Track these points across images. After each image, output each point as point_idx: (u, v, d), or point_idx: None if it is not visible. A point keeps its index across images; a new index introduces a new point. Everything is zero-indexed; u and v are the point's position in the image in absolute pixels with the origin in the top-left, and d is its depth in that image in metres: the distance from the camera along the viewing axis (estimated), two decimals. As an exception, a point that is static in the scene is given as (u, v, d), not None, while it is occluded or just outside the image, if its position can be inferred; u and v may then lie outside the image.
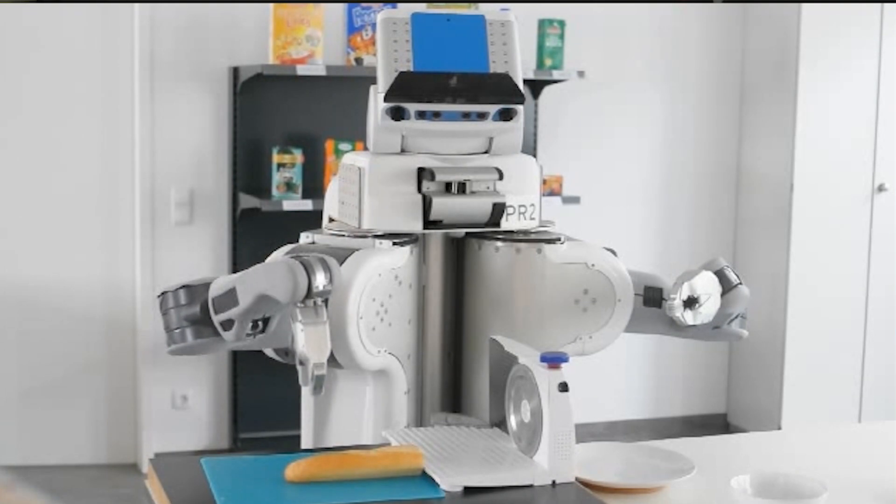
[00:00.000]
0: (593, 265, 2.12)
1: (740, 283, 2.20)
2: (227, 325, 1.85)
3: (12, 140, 4.59)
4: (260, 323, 1.87)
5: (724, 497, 1.75)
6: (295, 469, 1.75)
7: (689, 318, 2.11)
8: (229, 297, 1.82)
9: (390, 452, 1.79)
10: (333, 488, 1.72)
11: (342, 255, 1.99)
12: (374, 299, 1.98)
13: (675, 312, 2.11)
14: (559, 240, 2.12)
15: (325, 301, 1.79)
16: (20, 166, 4.61)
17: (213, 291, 1.85)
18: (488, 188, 2.07)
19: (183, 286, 1.91)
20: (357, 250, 2.00)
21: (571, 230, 2.33)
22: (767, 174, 5.26)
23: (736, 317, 2.26)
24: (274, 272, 1.73)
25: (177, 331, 1.93)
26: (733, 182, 5.47)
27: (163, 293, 1.94)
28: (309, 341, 1.71)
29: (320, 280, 1.72)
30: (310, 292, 1.71)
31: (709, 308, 2.12)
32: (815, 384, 5.19)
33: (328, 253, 2.01)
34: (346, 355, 1.95)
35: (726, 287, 2.17)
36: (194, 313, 1.88)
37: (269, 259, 2.06)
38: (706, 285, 2.13)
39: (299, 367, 1.75)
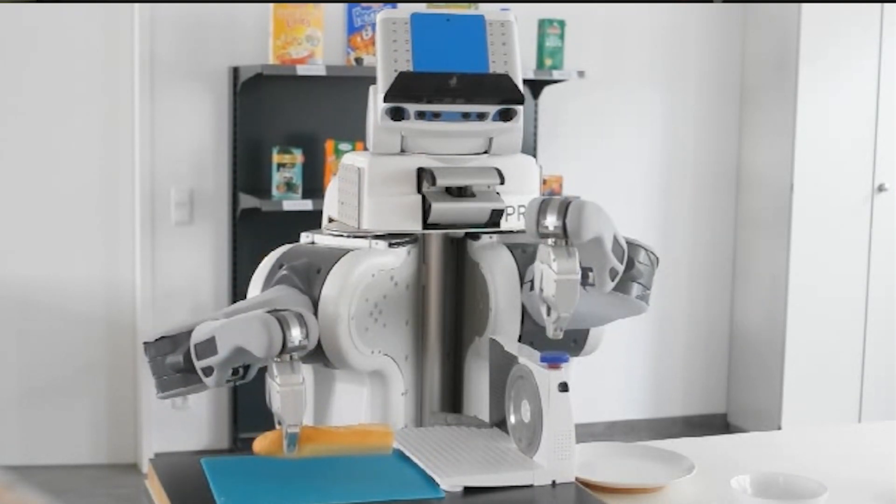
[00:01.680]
0: None
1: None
2: (208, 371, 1.85)
3: (12, 140, 4.59)
4: (241, 370, 1.88)
5: (724, 497, 1.75)
6: (262, 441, 1.73)
7: (550, 332, 1.86)
8: (209, 346, 1.82)
9: (360, 430, 1.78)
10: (333, 488, 1.72)
11: (338, 256, 1.99)
12: (368, 300, 1.98)
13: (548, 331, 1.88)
14: None
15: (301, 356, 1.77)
16: (20, 166, 4.61)
17: (195, 338, 1.85)
18: (489, 187, 2.06)
19: (161, 336, 1.92)
20: (352, 251, 2.00)
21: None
22: (767, 174, 5.26)
23: (634, 283, 2.00)
24: (249, 326, 1.72)
25: (164, 378, 1.94)
26: (733, 182, 5.47)
27: (145, 343, 1.95)
28: (285, 403, 1.71)
29: (296, 336, 1.71)
30: (284, 347, 1.70)
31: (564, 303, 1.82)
32: (815, 384, 5.19)
33: (325, 253, 2.01)
34: (336, 356, 1.95)
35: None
36: (178, 362, 1.89)
37: (264, 260, 2.07)
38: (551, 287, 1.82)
39: (277, 425, 1.75)
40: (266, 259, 2.08)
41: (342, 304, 1.94)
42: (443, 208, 2.02)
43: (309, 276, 1.98)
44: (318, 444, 1.74)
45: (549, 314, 1.79)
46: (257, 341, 1.70)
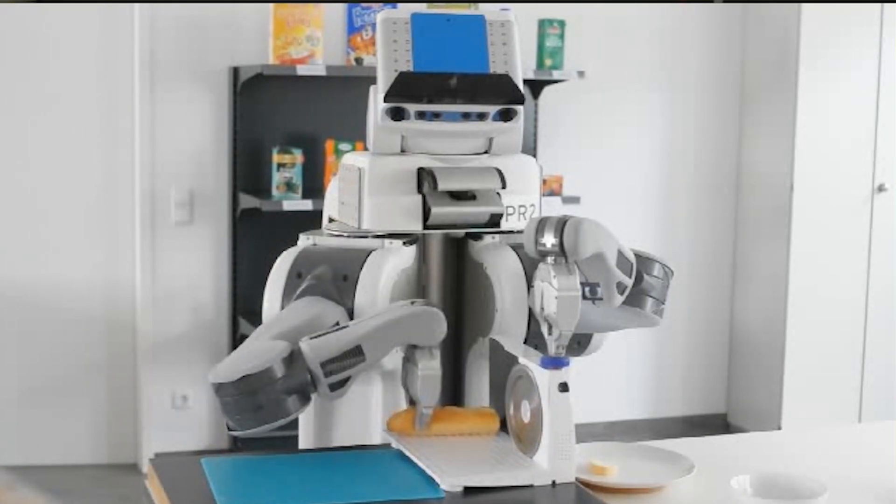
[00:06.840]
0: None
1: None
2: (338, 384, 1.85)
3: (12, 140, 4.59)
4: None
5: (724, 497, 1.75)
6: (396, 420, 1.90)
7: (552, 349, 1.81)
8: (352, 356, 1.83)
9: (477, 412, 1.94)
10: (333, 488, 1.72)
11: (359, 259, 1.98)
12: (392, 300, 1.98)
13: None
14: None
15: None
16: (20, 166, 4.61)
17: (323, 356, 1.82)
18: (489, 189, 2.06)
19: (269, 366, 1.81)
20: (370, 250, 2.00)
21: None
22: (767, 174, 5.26)
23: (648, 298, 2.01)
24: (419, 321, 1.85)
25: (280, 404, 1.83)
26: (733, 182, 5.47)
27: (244, 377, 1.81)
28: (424, 386, 1.85)
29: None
30: None
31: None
32: (815, 384, 5.20)
33: (342, 256, 2.00)
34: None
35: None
36: (303, 381, 1.83)
37: (276, 266, 2.05)
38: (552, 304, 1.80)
39: (409, 405, 1.92)
40: (277, 267, 2.04)
41: (379, 305, 1.94)
42: (442, 212, 2.02)
43: (337, 286, 1.97)
44: (445, 423, 1.90)
45: (550, 332, 1.79)
46: (436, 331, 1.85)
